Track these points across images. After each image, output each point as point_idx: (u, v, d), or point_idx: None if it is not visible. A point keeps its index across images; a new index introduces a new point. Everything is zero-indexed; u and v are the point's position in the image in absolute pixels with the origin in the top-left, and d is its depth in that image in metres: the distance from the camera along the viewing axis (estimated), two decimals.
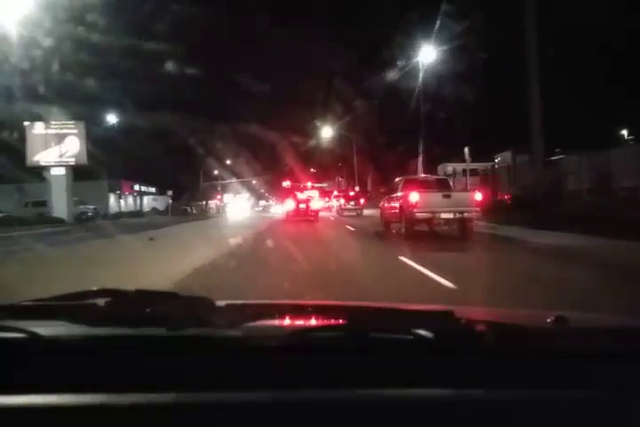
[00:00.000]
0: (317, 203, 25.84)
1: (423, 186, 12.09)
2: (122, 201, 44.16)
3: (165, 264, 7.00)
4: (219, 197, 55.07)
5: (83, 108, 28.78)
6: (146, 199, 50.16)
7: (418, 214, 10.88)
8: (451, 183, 14.12)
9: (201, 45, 49.93)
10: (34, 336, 0.97)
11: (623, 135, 29.98)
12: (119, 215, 34.95)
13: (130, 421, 0.80)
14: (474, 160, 18.82)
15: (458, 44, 19.67)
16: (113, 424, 0.80)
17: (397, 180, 13.70)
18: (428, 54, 21.73)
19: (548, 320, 1.04)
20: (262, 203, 60.95)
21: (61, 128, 27.68)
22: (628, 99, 21.54)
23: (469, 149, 18.04)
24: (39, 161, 27.37)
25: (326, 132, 39.84)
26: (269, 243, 10.99)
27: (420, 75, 21.85)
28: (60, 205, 26.46)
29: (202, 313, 1.06)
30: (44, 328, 1.01)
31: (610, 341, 1.01)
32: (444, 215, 10.87)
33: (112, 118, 33.33)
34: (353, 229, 15.10)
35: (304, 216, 21.49)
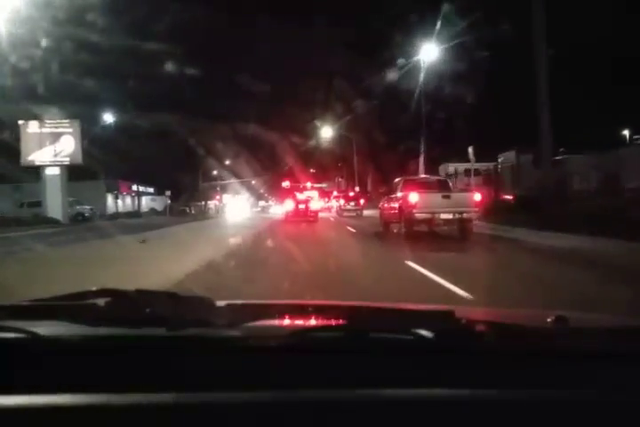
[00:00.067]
0: (317, 203, 25.86)
1: (422, 186, 12.11)
2: (119, 201, 43.92)
3: (153, 269, 6.47)
4: (218, 197, 55.04)
5: (80, 107, 28.76)
6: (144, 200, 49.94)
7: (417, 215, 10.89)
8: (450, 184, 14.13)
9: (201, 45, 50.00)
10: (34, 336, 0.97)
11: (625, 135, 29.98)
12: (116, 216, 34.62)
13: (130, 421, 0.80)
14: (476, 160, 18.55)
15: (459, 43, 19.54)
16: (113, 424, 0.79)
17: (397, 180, 13.71)
18: (429, 53, 21.47)
19: (548, 320, 1.04)
20: (261, 203, 60.90)
21: (56, 127, 27.37)
22: (630, 98, 21.52)
23: (474, 149, 17.73)
24: (34, 160, 27.05)
25: (326, 133, 39.73)
26: (268, 246, 10.80)
27: (422, 74, 21.63)
28: (54, 206, 26.15)
29: (202, 313, 1.06)
30: (44, 328, 1.01)
31: (610, 341, 1.01)
32: (443, 216, 10.89)
33: (109, 117, 33.10)
34: (354, 230, 14.98)
35: (303, 217, 21.48)
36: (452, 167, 23.88)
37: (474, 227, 11.52)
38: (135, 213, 39.57)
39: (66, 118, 27.41)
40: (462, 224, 11.11)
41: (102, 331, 1.01)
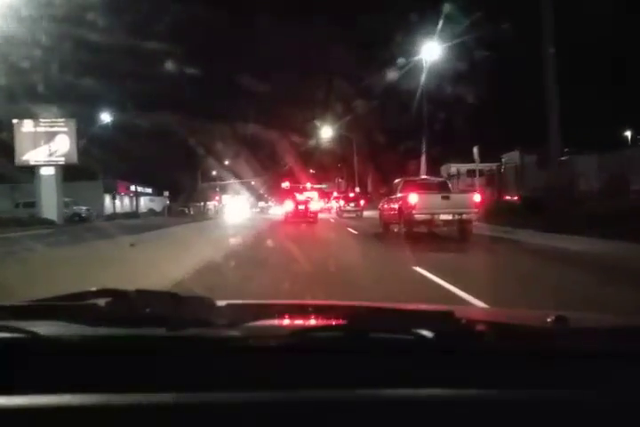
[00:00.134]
0: (316, 204, 25.87)
1: (422, 187, 12.12)
2: (117, 202, 43.73)
3: (140, 276, 5.97)
4: (217, 197, 55.00)
5: (79, 107, 28.69)
6: (143, 200, 49.88)
7: (417, 216, 10.90)
8: (450, 185, 14.13)
9: (200, 45, 49.99)
10: (34, 336, 0.97)
11: (627, 136, 29.96)
12: (114, 216, 34.39)
13: (130, 421, 0.80)
14: (480, 161, 18.29)
15: (461, 42, 19.41)
16: (113, 424, 0.79)
17: (396, 181, 13.73)
18: (430, 52, 21.19)
19: (548, 320, 1.04)
20: (261, 204, 60.85)
21: (51, 126, 26.97)
22: (630, 98, 21.48)
23: (479, 149, 17.34)
24: (28, 160, 26.65)
25: (326, 133, 39.65)
26: (266, 249, 10.37)
27: (423, 74, 21.33)
28: (49, 206, 25.74)
29: (202, 313, 1.06)
30: (44, 328, 1.01)
31: (610, 341, 1.01)
32: (442, 217, 10.89)
33: (106, 117, 32.82)
34: (355, 231, 14.82)
35: (303, 218, 21.47)
36: (454, 168, 23.61)
37: (480, 229, 11.43)
38: (133, 214, 39.43)
39: (65, 118, 27.07)
40: (462, 225, 11.11)
41: (102, 331, 1.01)
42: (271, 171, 52.47)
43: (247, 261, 7.70)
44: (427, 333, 0.95)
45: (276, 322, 1.16)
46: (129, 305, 1.10)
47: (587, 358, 0.94)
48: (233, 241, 12.04)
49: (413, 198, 10.98)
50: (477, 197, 11.40)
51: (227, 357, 0.96)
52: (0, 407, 0.80)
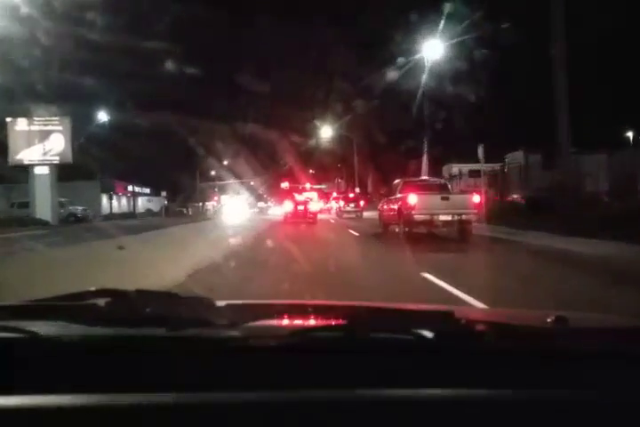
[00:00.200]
0: (316, 205, 25.85)
1: (421, 188, 12.14)
2: (115, 202, 43.53)
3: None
4: (216, 198, 54.96)
5: (78, 106, 28.60)
6: (140, 200, 49.74)
7: (416, 217, 10.90)
8: (449, 186, 14.13)
9: (200, 45, 49.99)
10: (34, 336, 0.97)
11: (629, 136, 29.93)
12: (110, 217, 34.13)
13: (130, 421, 0.80)
14: (478, 161, 18.04)
15: (462, 41, 19.17)
16: (113, 424, 0.79)
17: (396, 182, 13.74)
18: (431, 51, 20.87)
19: (548, 320, 1.05)
20: (260, 204, 60.78)
21: (45, 124, 26.52)
22: (631, 98, 21.46)
23: (483, 148, 16.91)
24: (22, 159, 26.20)
25: (326, 133, 39.50)
26: (266, 251, 10.10)
27: (425, 73, 21.03)
28: (43, 206, 25.28)
29: (202, 313, 1.06)
30: (44, 328, 1.02)
31: (610, 341, 1.01)
32: (442, 217, 10.89)
33: (103, 116, 32.54)
34: (357, 233, 14.49)
35: (302, 218, 21.44)
36: (455, 168, 23.44)
37: (489, 231, 11.30)
38: (130, 215, 39.22)
39: (63, 117, 26.68)
40: (461, 226, 11.11)
41: (102, 331, 1.01)
42: (270, 171, 52.52)
43: (247, 263, 7.66)
44: (427, 333, 0.95)
45: (275, 322, 1.16)
46: (129, 305, 1.10)
47: (587, 358, 0.94)
48: (232, 242, 12.00)
49: (413, 199, 10.98)
50: (477, 198, 11.41)
51: (227, 357, 0.96)
52: (0, 407, 0.80)
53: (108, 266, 6.63)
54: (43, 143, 26.29)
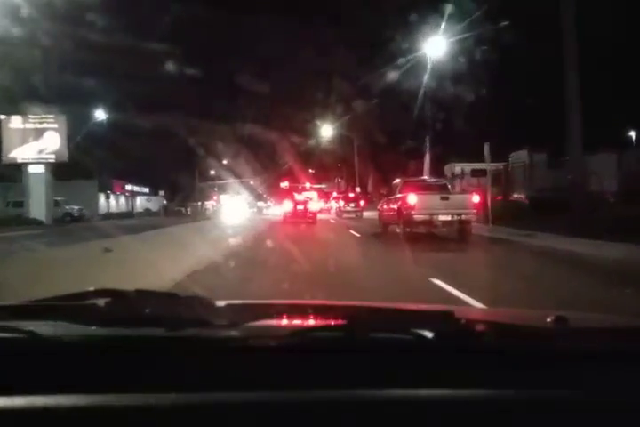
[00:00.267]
0: (316, 204, 25.84)
1: (421, 188, 12.15)
2: (113, 201, 43.22)
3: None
4: (215, 197, 54.88)
5: (75, 106, 28.45)
6: (139, 200, 49.56)
7: (416, 216, 10.91)
8: (449, 186, 14.12)
9: (200, 45, 49.90)
10: (34, 336, 0.97)
11: (630, 136, 29.90)
12: (108, 216, 33.84)
13: (130, 421, 0.80)
14: (481, 160, 17.28)
15: (463, 40, 18.96)
16: (113, 424, 0.79)
17: (395, 182, 13.75)
18: (434, 50, 20.43)
19: (548, 320, 1.05)
20: (260, 204, 60.72)
21: (40, 122, 26.09)
22: (632, 98, 21.36)
23: (489, 147, 16.27)
24: (16, 158, 25.79)
25: (326, 132, 39.38)
26: (265, 251, 10.01)
27: (426, 72, 20.68)
28: (38, 206, 24.91)
29: (202, 313, 1.06)
30: (44, 328, 1.02)
31: (610, 341, 1.01)
32: (442, 217, 10.91)
33: (101, 114, 32.20)
34: (358, 234, 14.25)
35: (302, 218, 21.41)
36: (458, 167, 23.07)
37: (498, 232, 11.21)
38: (128, 214, 39.03)
39: (58, 114, 26.33)
40: (461, 226, 11.13)
41: (102, 331, 1.01)
42: (270, 170, 52.40)
43: (246, 263, 7.64)
44: (427, 333, 0.95)
45: (275, 322, 1.16)
46: (128, 305, 1.10)
47: (587, 358, 0.94)
48: (231, 242, 11.97)
49: (412, 199, 11.00)
50: (476, 198, 11.41)
51: (226, 357, 0.96)
52: (0, 407, 0.80)
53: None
54: (37, 141, 25.81)
